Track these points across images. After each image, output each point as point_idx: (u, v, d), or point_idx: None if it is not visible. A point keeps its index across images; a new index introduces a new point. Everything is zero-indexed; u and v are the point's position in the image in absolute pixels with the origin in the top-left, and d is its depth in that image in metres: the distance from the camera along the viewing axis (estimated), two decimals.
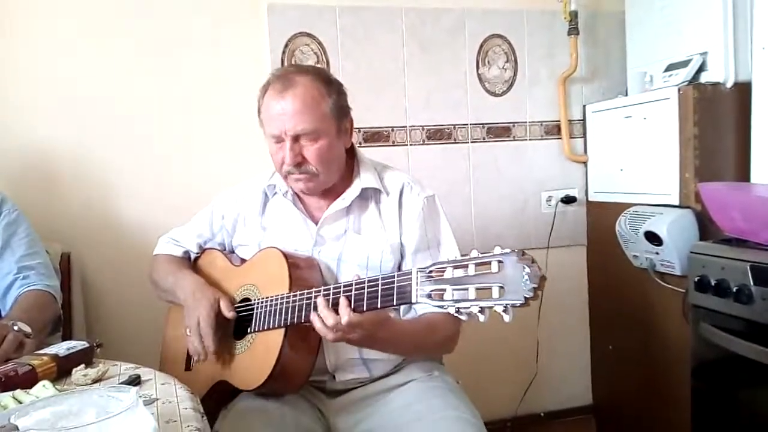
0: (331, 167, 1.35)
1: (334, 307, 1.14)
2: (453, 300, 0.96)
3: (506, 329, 2.27)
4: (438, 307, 0.99)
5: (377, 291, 1.10)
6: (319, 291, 1.19)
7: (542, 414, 2.45)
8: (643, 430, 2.22)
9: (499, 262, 0.93)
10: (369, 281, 1.12)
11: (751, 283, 1.53)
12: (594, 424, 2.49)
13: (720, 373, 1.70)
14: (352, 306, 1.12)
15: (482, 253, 0.96)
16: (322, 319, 1.14)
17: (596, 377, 2.49)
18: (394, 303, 1.08)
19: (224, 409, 1.34)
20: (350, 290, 1.14)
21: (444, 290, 0.98)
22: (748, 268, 1.54)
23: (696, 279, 1.70)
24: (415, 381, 1.37)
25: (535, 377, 2.40)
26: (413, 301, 1.04)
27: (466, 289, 0.95)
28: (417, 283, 1.03)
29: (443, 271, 0.99)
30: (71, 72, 1.93)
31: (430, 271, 1.01)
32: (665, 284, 1.98)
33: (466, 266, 0.96)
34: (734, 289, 1.57)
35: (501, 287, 0.91)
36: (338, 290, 1.16)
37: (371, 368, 1.37)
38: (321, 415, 1.35)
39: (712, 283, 1.64)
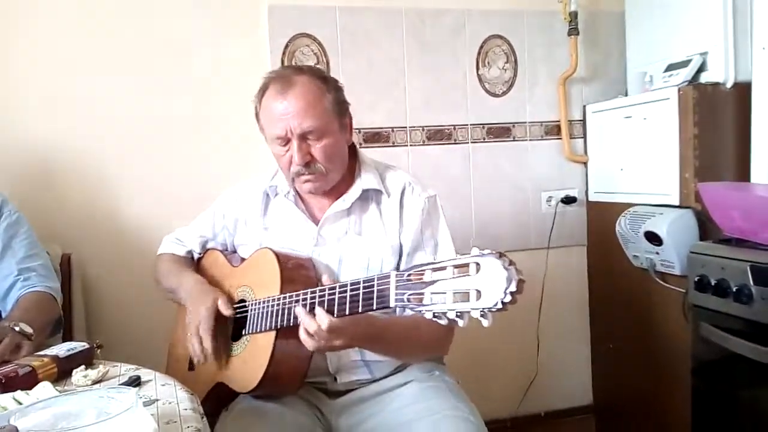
0: (338, 164, 1.35)
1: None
2: (431, 304, 0.93)
3: (506, 329, 2.30)
4: (417, 312, 0.95)
5: (358, 295, 1.08)
6: (307, 293, 1.17)
7: (542, 413, 2.45)
8: (643, 430, 2.22)
9: (477, 264, 0.89)
10: (351, 284, 1.09)
11: (751, 283, 1.53)
12: (594, 423, 2.49)
13: (720, 372, 1.70)
14: (335, 310, 1.10)
15: (460, 255, 0.93)
16: (306, 329, 1.13)
17: (596, 377, 2.49)
18: (374, 307, 1.05)
19: (225, 410, 1.34)
20: (334, 294, 1.11)
21: (422, 294, 0.94)
22: (748, 267, 1.54)
23: (696, 279, 1.70)
24: (416, 381, 1.37)
25: (535, 377, 2.40)
26: (391, 305, 1.01)
27: (444, 293, 0.91)
28: (395, 287, 1.00)
29: (422, 274, 0.96)
30: (71, 72, 1.93)
31: (409, 275, 0.98)
32: (665, 284, 1.98)
33: (445, 268, 0.93)
34: (734, 289, 1.57)
35: (478, 291, 0.88)
36: (323, 293, 1.13)
37: (373, 370, 1.37)
38: (321, 416, 1.35)
39: (712, 283, 1.64)
